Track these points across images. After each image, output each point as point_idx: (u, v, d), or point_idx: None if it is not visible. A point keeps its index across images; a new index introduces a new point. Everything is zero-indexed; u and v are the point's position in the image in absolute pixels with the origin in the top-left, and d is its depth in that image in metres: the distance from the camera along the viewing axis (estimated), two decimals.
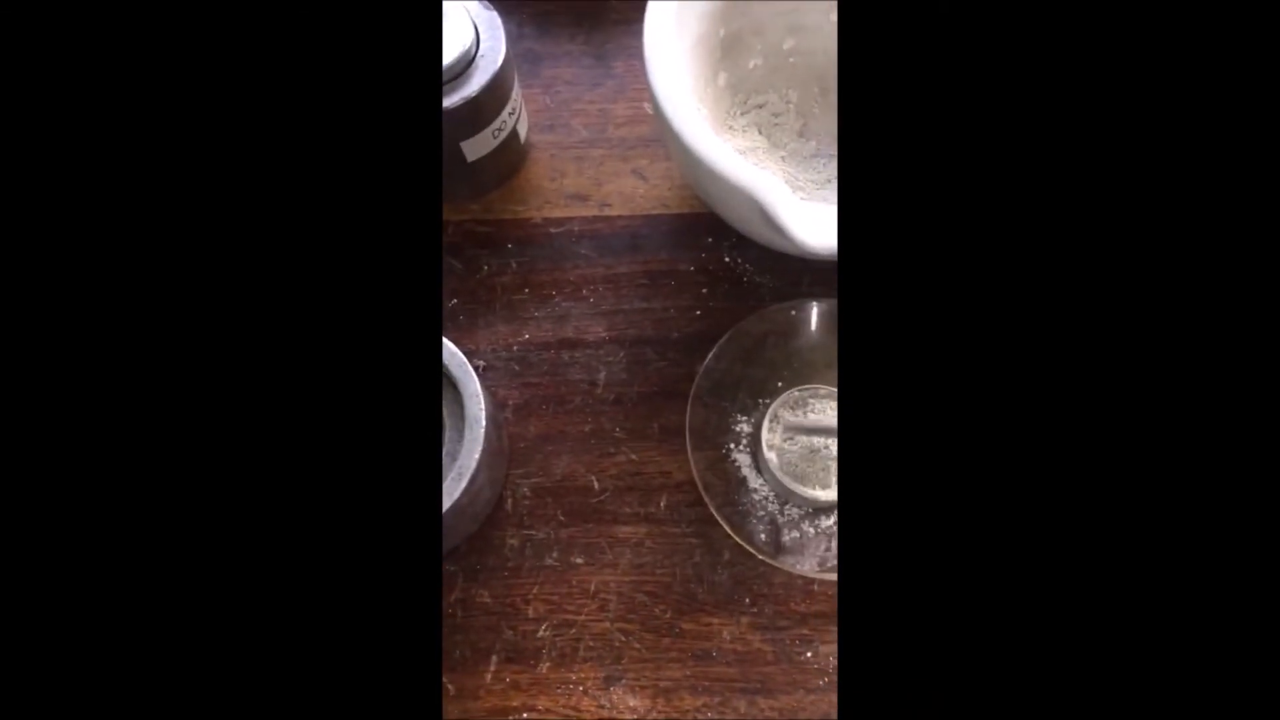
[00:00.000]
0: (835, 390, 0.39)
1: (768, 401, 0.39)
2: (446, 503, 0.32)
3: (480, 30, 0.39)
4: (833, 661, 0.36)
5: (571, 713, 0.36)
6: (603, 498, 0.39)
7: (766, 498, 0.38)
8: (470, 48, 0.38)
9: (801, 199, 0.41)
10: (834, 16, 0.42)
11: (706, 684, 0.36)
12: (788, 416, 0.39)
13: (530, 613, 0.38)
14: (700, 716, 0.36)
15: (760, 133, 0.43)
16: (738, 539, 0.36)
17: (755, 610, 0.37)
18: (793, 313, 0.40)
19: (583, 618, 0.37)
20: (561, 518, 0.39)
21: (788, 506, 0.38)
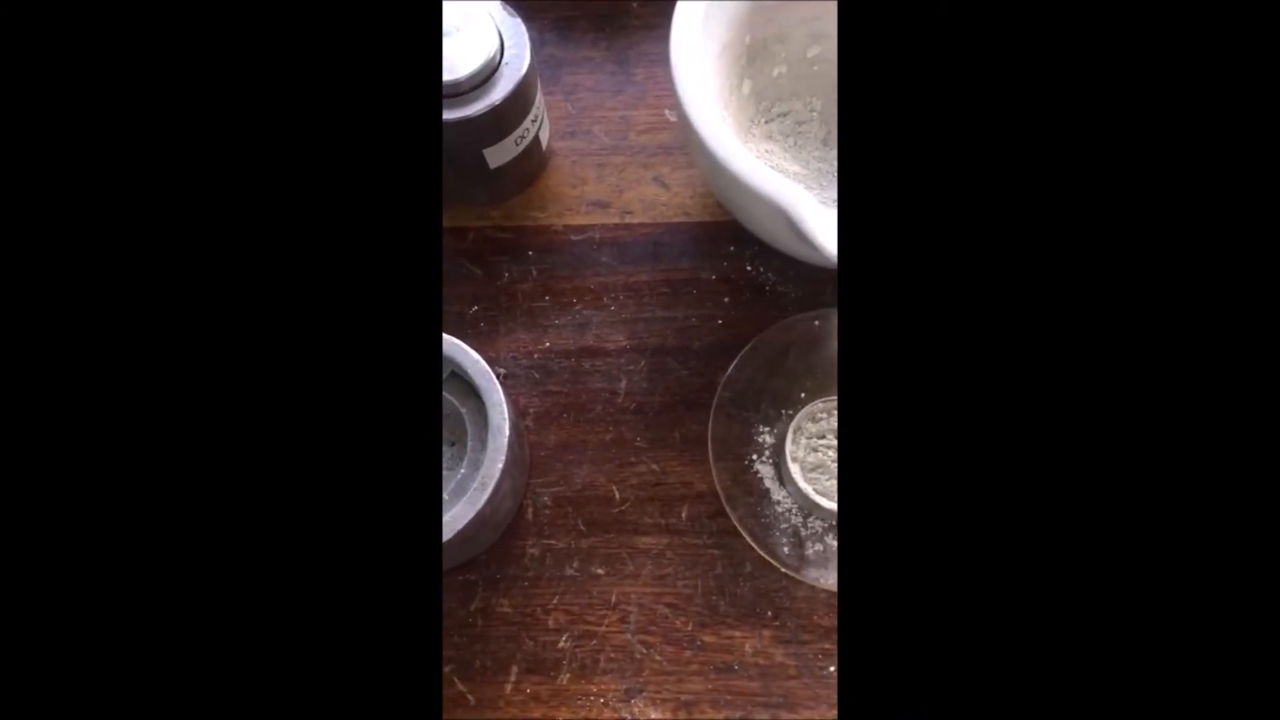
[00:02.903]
0: None
1: (791, 412, 0.39)
2: (471, 513, 0.32)
3: (505, 38, 0.38)
4: None
5: None
6: (623, 508, 0.39)
7: (790, 510, 0.38)
8: (495, 55, 0.38)
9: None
10: None
11: (729, 698, 0.36)
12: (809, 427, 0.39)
13: (550, 623, 0.37)
14: None
15: (784, 141, 0.43)
16: (760, 551, 0.36)
17: (778, 624, 0.37)
18: (816, 323, 0.40)
19: (603, 629, 0.37)
20: (582, 527, 0.39)
21: (811, 519, 0.37)
